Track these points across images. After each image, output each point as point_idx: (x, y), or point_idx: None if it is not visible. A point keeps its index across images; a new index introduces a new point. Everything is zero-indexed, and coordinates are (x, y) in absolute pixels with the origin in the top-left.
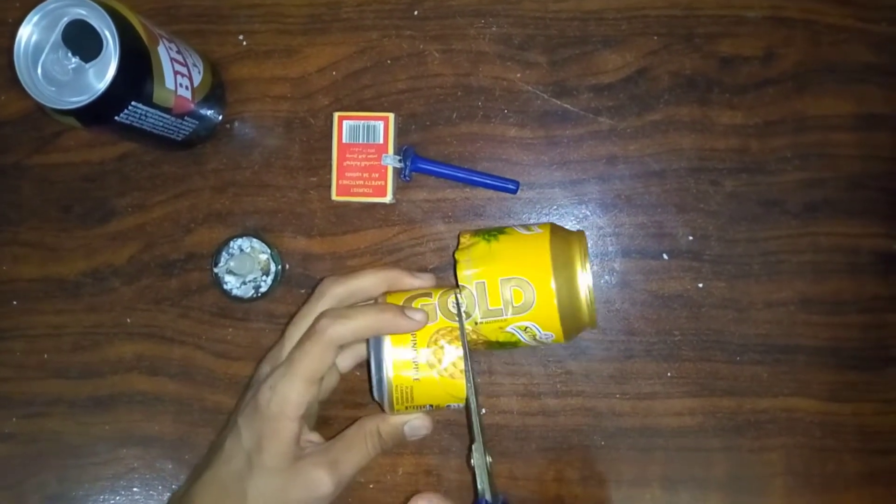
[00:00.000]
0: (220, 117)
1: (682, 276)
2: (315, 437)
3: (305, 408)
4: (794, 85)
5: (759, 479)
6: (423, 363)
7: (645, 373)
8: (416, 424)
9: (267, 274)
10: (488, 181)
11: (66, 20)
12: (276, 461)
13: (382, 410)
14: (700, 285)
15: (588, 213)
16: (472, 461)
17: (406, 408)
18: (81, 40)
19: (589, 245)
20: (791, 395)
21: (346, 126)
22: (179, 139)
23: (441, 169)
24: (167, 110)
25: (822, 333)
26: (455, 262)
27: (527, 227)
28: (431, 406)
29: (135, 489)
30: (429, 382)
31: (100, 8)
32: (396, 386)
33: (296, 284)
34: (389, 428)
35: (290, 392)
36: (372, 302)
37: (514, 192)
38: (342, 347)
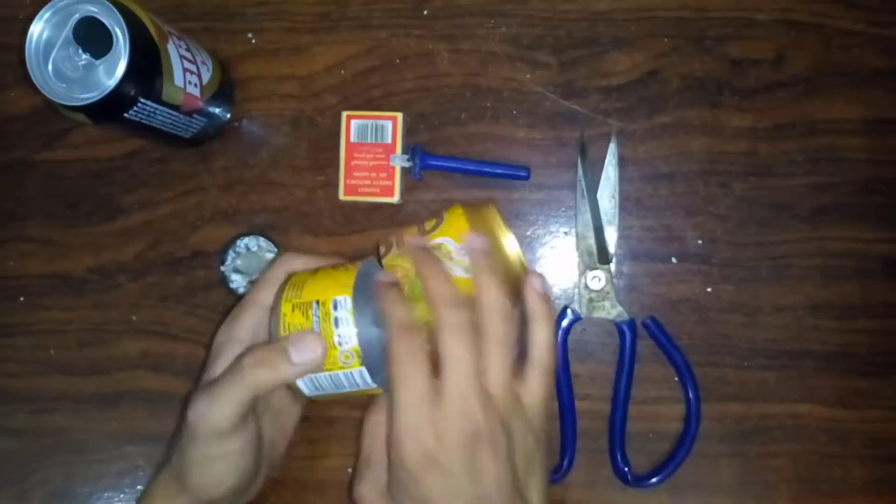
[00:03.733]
0: (229, 115)
1: (691, 280)
2: None
3: (254, 334)
4: (805, 88)
5: (765, 484)
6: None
7: (652, 377)
8: (300, 341)
9: None
10: (498, 170)
11: (76, 17)
12: None
13: None
14: (708, 289)
15: None
16: None
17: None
18: (92, 37)
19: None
20: (798, 401)
21: (354, 125)
22: (188, 137)
23: (450, 163)
24: (176, 108)
25: (830, 339)
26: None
27: None
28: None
29: (139, 486)
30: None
31: (110, 5)
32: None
33: None
34: (260, 352)
35: (244, 313)
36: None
37: (525, 178)
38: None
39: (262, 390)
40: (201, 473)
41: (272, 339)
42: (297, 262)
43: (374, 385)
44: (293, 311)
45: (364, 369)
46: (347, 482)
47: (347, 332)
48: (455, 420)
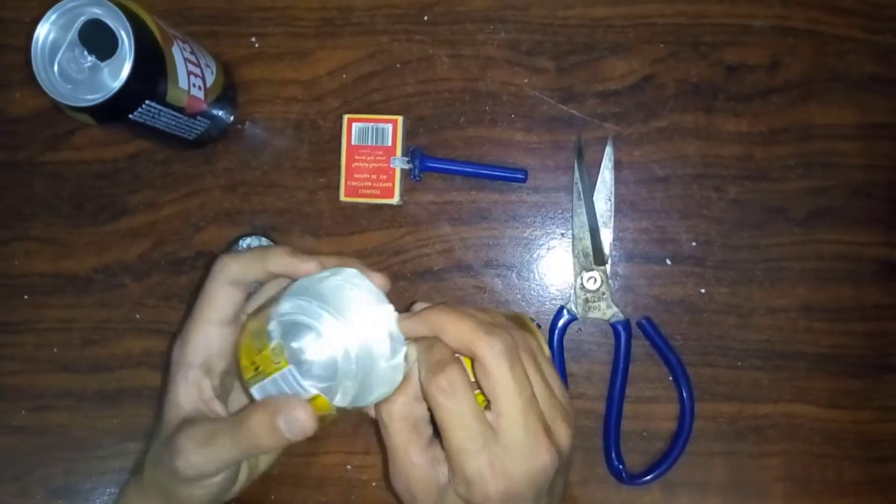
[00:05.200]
0: (232, 118)
1: (685, 282)
2: (220, 408)
3: (207, 353)
4: (799, 94)
5: (758, 483)
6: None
7: (647, 376)
8: (290, 413)
9: None
10: (496, 173)
11: (82, 19)
12: (169, 416)
13: None
14: (702, 290)
15: None
16: None
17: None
18: (97, 39)
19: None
20: (791, 401)
21: (355, 128)
22: (191, 138)
23: (449, 165)
24: (180, 109)
25: (823, 340)
26: None
27: None
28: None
29: None
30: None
31: (116, 8)
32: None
33: None
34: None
35: (193, 334)
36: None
37: (523, 181)
38: (242, 286)
39: (250, 455)
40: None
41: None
42: (234, 268)
43: (311, 389)
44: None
45: (293, 367)
46: (347, 478)
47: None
48: (524, 460)
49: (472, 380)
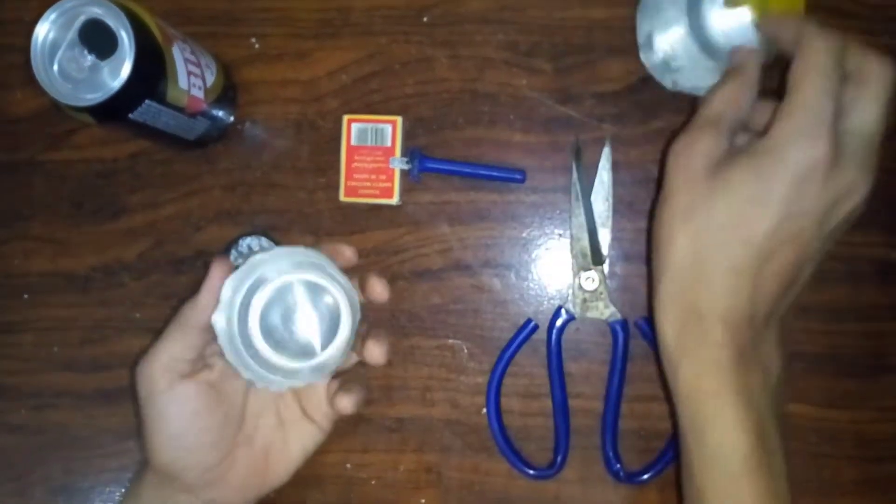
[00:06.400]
0: (232, 118)
1: None
2: None
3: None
4: None
5: None
6: None
7: (644, 376)
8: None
9: None
10: (494, 173)
11: (82, 19)
12: None
13: None
14: None
15: None
16: None
17: None
18: (97, 39)
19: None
20: (788, 401)
21: (355, 129)
22: (191, 138)
23: (447, 166)
24: (180, 109)
25: (820, 341)
26: None
27: None
28: None
29: None
30: None
31: (116, 7)
32: None
33: None
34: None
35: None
36: None
37: (521, 181)
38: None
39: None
40: (152, 428)
41: None
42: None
43: None
44: None
45: None
46: (346, 476)
47: None
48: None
49: None
